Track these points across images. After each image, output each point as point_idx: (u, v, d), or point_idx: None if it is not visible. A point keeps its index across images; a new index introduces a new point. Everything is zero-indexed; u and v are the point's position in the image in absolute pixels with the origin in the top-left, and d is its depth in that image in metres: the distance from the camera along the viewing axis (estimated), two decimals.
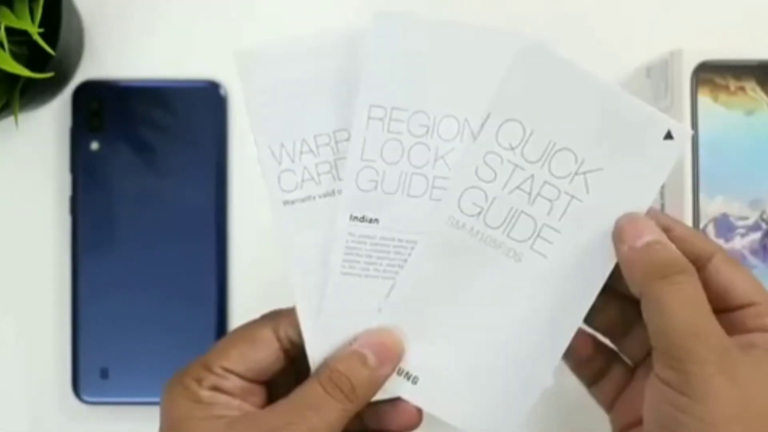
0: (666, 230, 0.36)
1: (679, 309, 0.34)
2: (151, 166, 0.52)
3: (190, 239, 0.52)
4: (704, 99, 0.48)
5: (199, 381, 0.37)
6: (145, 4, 0.53)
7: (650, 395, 0.35)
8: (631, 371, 0.41)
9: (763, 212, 0.48)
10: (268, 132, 0.39)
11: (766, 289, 0.37)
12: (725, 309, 0.36)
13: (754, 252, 0.48)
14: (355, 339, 0.38)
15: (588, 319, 0.39)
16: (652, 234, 0.36)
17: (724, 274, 0.36)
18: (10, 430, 0.53)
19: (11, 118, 0.46)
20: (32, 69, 0.44)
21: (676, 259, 0.35)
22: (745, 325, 0.36)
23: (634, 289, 0.36)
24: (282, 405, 0.37)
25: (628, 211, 0.37)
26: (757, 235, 0.48)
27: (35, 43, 0.44)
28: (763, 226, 0.48)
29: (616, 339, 0.41)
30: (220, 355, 0.38)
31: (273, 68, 0.39)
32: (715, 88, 0.48)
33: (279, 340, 0.38)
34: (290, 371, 0.39)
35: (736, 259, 0.38)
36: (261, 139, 0.40)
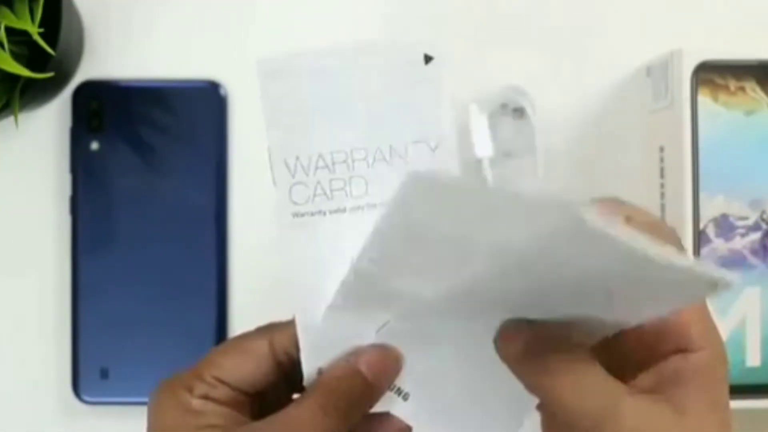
0: None
1: (575, 400, 0.32)
2: (151, 166, 0.52)
3: (190, 239, 0.52)
4: (704, 99, 0.48)
5: (189, 389, 0.37)
6: (146, 4, 0.53)
7: None
8: None
9: (763, 212, 0.48)
10: (284, 144, 0.39)
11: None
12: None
13: (754, 252, 0.48)
14: (352, 354, 0.37)
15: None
16: (521, 332, 0.34)
17: None
18: (10, 430, 0.53)
19: (11, 118, 0.46)
20: (32, 69, 0.44)
21: (548, 333, 0.33)
22: (661, 348, 0.33)
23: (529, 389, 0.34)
24: (277, 419, 0.36)
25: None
26: (757, 235, 0.48)
27: (35, 43, 0.44)
28: (763, 226, 0.48)
29: None
30: (213, 364, 0.37)
31: (294, 81, 0.38)
32: (715, 88, 0.48)
33: (273, 352, 0.38)
34: (280, 384, 0.39)
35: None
36: (276, 150, 0.39)
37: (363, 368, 0.37)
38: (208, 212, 0.52)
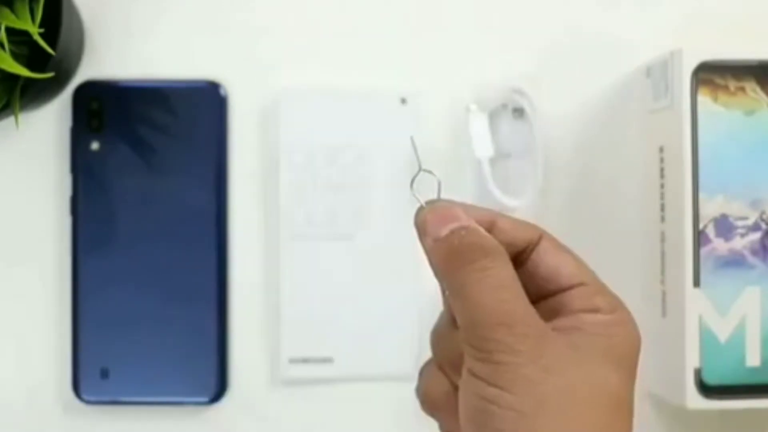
0: (487, 225, 0.35)
1: (484, 297, 0.32)
2: (151, 166, 0.52)
3: (190, 239, 0.52)
4: (704, 99, 0.48)
5: None
6: (146, 4, 0.53)
7: (462, 391, 0.33)
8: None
9: (763, 212, 0.48)
10: (294, 167, 0.47)
11: (593, 271, 0.36)
12: (555, 292, 0.35)
13: (754, 252, 0.48)
14: None
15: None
16: (455, 221, 0.34)
17: (551, 257, 0.35)
18: (11, 430, 0.53)
19: (12, 118, 0.46)
20: (32, 69, 0.44)
21: (480, 242, 0.33)
22: (572, 306, 0.34)
23: (441, 283, 0.34)
24: None
25: (431, 200, 0.35)
26: (757, 235, 0.48)
27: (35, 43, 0.44)
28: (763, 226, 0.48)
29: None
30: None
31: (308, 114, 0.48)
32: (715, 88, 0.48)
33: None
34: None
35: (560, 244, 0.36)
36: (286, 172, 0.47)
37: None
38: (208, 212, 0.52)
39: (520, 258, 0.35)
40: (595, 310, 0.34)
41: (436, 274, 0.34)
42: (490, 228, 0.35)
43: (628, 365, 0.34)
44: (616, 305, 0.34)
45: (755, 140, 0.48)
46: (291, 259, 0.52)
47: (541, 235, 0.35)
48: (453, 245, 0.33)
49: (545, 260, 0.35)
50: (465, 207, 0.35)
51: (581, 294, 0.34)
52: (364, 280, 0.52)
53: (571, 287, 0.35)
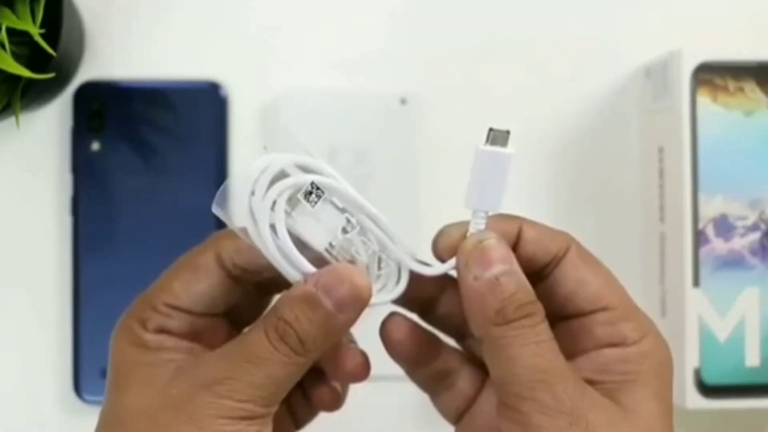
0: (517, 236, 0.33)
1: (524, 356, 0.30)
2: (151, 166, 0.52)
3: (190, 239, 0.52)
4: (703, 99, 0.48)
5: (143, 323, 0.33)
6: (147, 5, 0.53)
7: None
8: (481, 380, 0.36)
9: (762, 212, 0.48)
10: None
11: (622, 289, 0.33)
12: (575, 314, 0.33)
13: (753, 252, 0.48)
14: (312, 275, 0.32)
15: (429, 315, 0.36)
16: (502, 263, 0.31)
17: (574, 274, 0.33)
18: (11, 429, 0.53)
19: (12, 119, 0.46)
20: (33, 69, 0.44)
21: (523, 299, 0.31)
22: (594, 335, 0.32)
23: (475, 330, 0.32)
24: (225, 351, 0.32)
25: (480, 231, 0.32)
26: (756, 235, 0.48)
27: (36, 44, 0.44)
28: (763, 226, 0.48)
29: (461, 339, 0.37)
30: (163, 289, 0.34)
31: (313, 111, 0.50)
32: (714, 88, 0.48)
33: (223, 266, 0.34)
34: (254, 299, 0.35)
35: (589, 257, 0.33)
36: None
37: (319, 293, 0.31)
38: (208, 213, 0.52)
39: (543, 272, 0.33)
40: (618, 343, 0.32)
41: (470, 317, 0.32)
42: (516, 240, 0.33)
43: (665, 392, 0.32)
44: (644, 329, 0.33)
45: (754, 140, 0.48)
46: None
47: (568, 247, 0.33)
48: (494, 296, 0.31)
49: (567, 277, 0.33)
50: (491, 219, 0.33)
51: (604, 321, 0.33)
52: None
53: (593, 311, 0.33)
